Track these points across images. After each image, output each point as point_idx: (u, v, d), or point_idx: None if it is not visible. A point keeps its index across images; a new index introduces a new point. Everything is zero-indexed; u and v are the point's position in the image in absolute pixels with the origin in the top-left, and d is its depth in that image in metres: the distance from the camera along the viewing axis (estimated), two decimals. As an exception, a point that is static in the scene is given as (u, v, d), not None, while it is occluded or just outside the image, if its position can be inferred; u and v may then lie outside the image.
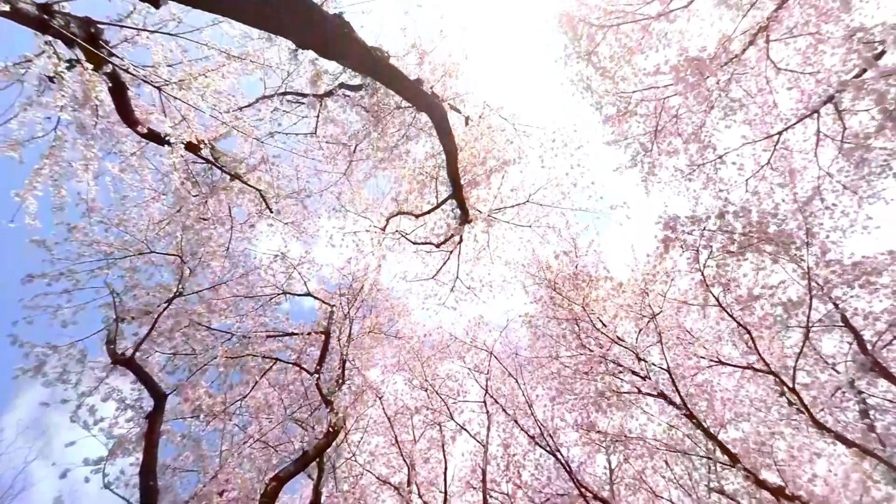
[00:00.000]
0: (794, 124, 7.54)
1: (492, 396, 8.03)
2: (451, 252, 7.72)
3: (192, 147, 4.42)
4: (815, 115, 7.36)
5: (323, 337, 6.02)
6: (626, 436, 7.43)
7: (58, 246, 4.99)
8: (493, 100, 6.28)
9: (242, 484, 4.30)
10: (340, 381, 5.86)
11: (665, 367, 5.75)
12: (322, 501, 5.69)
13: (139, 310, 4.44)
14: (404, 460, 7.47)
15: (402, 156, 5.29)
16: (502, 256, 8.48)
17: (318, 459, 6.12)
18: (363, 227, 7.77)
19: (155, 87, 3.61)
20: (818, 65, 7.71)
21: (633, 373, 7.05)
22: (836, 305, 5.43)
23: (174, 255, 5.01)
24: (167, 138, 3.99)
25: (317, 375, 5.53)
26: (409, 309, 8.48)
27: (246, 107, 6.77)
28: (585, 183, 6.77)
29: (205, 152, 5.07)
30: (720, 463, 6.57)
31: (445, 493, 7.29)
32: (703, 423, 5.57)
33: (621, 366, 6.71)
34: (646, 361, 5.90)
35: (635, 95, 8.44)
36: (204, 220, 5.94)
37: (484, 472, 6.97)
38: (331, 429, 5.15)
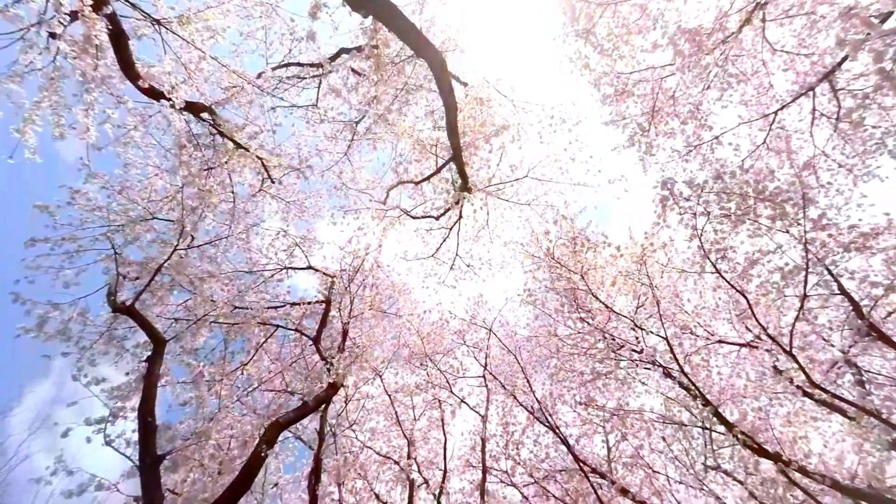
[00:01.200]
0: (791, 102, 7.62)
1: (491, 373, 8.07)
2: (451, 229, 7.76)
3: (192, 108, 4.43)
4: (811, 92, 7.43)
5: (324, 305, 6.04)
6: (624, 410, 7.49)
7: (60, 210, 4.99)
8: (492, 75, 6.32)
9: (241, 426, 4.31)
10: (341, 347, 5.88)
11: (663, 335, 5.80)
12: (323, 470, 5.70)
13: (139, 263, 4.46)
14: (404, 435, 7.50)
15: (402, 109, 5.30)
16: (501, 236, 8.53)
17: (319, 430, 6.15)
18: (364, 203, 7.80)
19: (153, 21, 3.62)
20: (813, 47, 7.79)
21: (633, 349, 7.11)
22: (831, 272, 5.48)
23: (174, 220, 5.02)
24: (168, 94, 4.01)
25: (317, 341, 5.54)
26: (410, 288, 8.51)
27: (250, 83, 6.81)
28: (584, 157, 6.83)
29: (206, 119, 5.08)
30: (717, 433, 6.63)
31: (445, 468, 7.31)
32: (701, 391, 5.62)
33: (619, 339, 6.76)
34: (643, 329, 5.95)
35: (633, 76, 8.53)
36: (206, 191, 5.96)
37: (483, 443, 7.00)
38: (330, 383, 5.17)
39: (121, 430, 4.51)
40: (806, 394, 5.75)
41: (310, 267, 6.66)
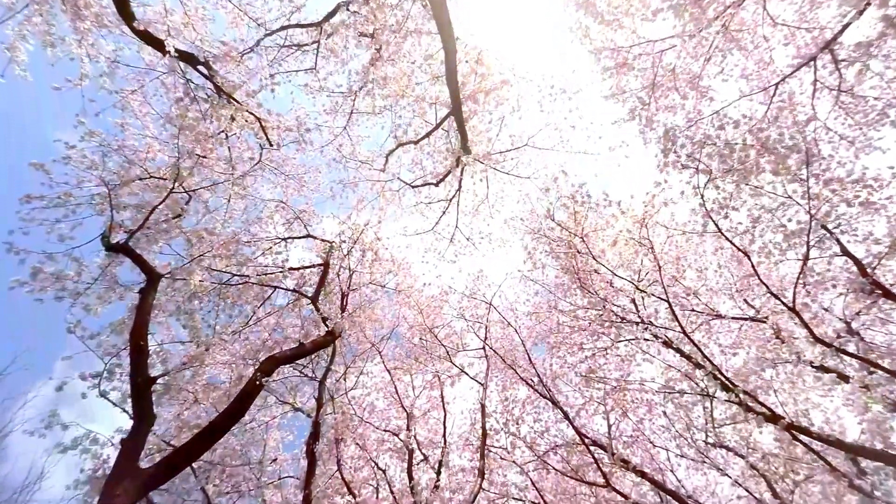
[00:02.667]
0: (792, 73, 7.59)
1: (491, 347, 8.01)
2: (451, 201, 7.71)
3: (188, 58, 4.38)
4: (812, 63, 7.40)
5: (322, 269, 5.99)
6: (624, 380, 7.43)
7: (56, 167, 4.94)
8: (491, 44, 6.26)
9: (236, 364, 4.25)
10: (342, 307, 5.83)
11: (665, 297, 5.75)
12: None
13: (135, 206, 4.40)
14: (403, 408, 7.44)
15: (400, 56, 5.24)
16: (501, 211, 8.48)
17: (317, 397, 6.09)
18: (363, 177, 7.76)
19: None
20: (814, 21, 7.77)
21: (634, 322, 7.06)
22: (831, 231, 5.43)
23: (170, 179, 4.96)
24: (165, 41, 3.96)
25: (315, 300, 5.49)
26: (409, 263, 8.46)
27: (247, 51, 6.77)
28: (584, 125, 6.78)
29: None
30: (719, 399, 6.58)
31: (444, 441, 7.24)
32: (702, 351, 5.57)
33: (620, 308, 6.71)
34: (644, 292, 5.90)
35: (633, 50, 8.51)
36: (204, 157, 5.92)
37: (483, 407, 6.95)
38: (328, 330, 5.12)
39: (115, 384, 4.46)
40: (812, 365, 5.70)
41: (308, 235, 6.61)
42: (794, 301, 5.05)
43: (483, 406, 6.94)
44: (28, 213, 4.57)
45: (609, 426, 8.66)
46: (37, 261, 4.31)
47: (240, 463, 5.66)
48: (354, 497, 5.75)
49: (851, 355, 4.77)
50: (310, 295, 5.69)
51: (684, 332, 5.61)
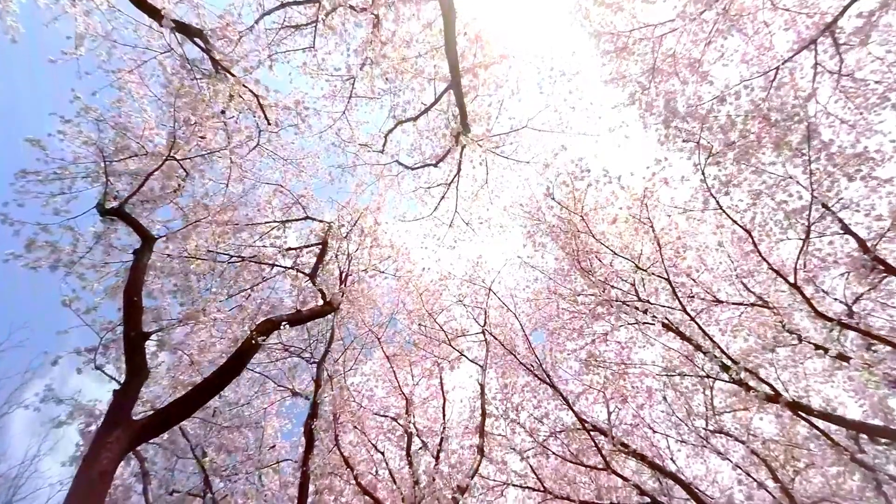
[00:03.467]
0: (793, 56, 7.56)
1: (490, 333, 7.97)
2: (450, 185, 7.68)
3: (184, 29, 4.34)
4: (813, 46, 7.37)
5: (320, 248, 5.95)
6: (624, 363, 7.40)
7: (52, 138, 4.89)
8: (490, 23, 6.21)
9: (230, 321, 4.20)
10: (342, 280, 5.78)
11: (665, 276, 5.71)
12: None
13: (130, 173, 4.36)
14: (402, 394, 7.40)
15: (399, 21, 5.18)
16: (500, 196, 8.45)
17: (316, 378, 6.06)
18: (363, 160, 7.72)
19: None
20: (814, 6, 7.74)
21: (635, 306, 7.03)
22: (832, 210, 5.40)
23: (166, 147, 4.91)
24: (162, 10, 3.92)
25: (312, 276, 5.44)
26: (409, 249, 8.42)
27: (245, 32, 6.73)
28: (584, 106, 6.75)
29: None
30: (721, 379, 6.54)
31: (444, 427, 7.20)
32: (704, 329, 5.54)
33: (620, 290, 6.68)
34: (644, 271, 5.86)
35: (633, 34, 8.49)
36: (202, 138, 5.87)
37: (482, 387, 6.92)
38: (326, 301, 5.07)
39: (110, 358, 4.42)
40: (817, 347, 5.67)
41: (307, 217, 6.58)
42: (795, 277, 5.02)
43: (482, 385, 6.91)
44: (23, 185, 4.54)
45: (609, 413, 8.64)
46: (32, 232, 4.28)
47: (238, 448, 5.63)
48: (353, 470, 5.70)
49: (853, 328, 4.74)
50: (308, 272, 5.65)
51: (685, 311, 5.58)
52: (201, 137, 4.82)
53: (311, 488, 5.32)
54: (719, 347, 5.44)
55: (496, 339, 7.85)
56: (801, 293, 4.93)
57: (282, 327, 4.23)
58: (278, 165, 8.06)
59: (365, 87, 7.90)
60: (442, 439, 7.31)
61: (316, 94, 7.83)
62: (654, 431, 8.21)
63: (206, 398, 3.67)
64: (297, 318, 4.81)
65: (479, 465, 5.97)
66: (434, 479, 5.29)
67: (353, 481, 5.57)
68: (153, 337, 3.72)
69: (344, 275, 6.11)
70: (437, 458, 6.34)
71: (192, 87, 4.62)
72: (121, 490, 4.74)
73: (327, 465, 5.45)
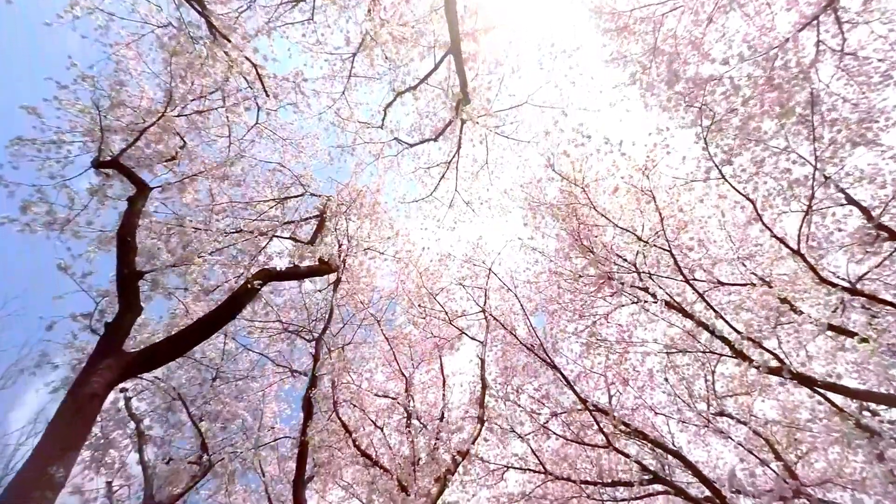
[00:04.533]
0: (795, 34, 7.51)
1: (491, 315, 7.92)
2: (450, 164, 7.63)
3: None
4: (816, 24, 7.32)
5: (319, 220, 5.89)
6: (626, 341, 7.34)
7: (46, 104, 4.85)
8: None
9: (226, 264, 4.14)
10: (340, 249, 5.73)
11: (667, 247, 5.66)
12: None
13: (125, 128, 4.30)
14: (402, 374, 7.34)
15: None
16: (501, 178, 8.40)
17: (314, 354, 6.01)
18: (362, 139, 7.67)
19: None
20: (817, -14, 7.66)
21: (636, 287, 6.98)
22: (836, 183, 5.36)
23: (166, 112, 4.85)
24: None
25: (312, 243, 5.40)
26: (408, 230, 8.37)
27: (244, 9, 6.69)
28: (584, 81, 6.70)
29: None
30: (723, 355, 6.49)
31: (444, 406, 7.15)
32: (706, 299, 5.48)
33: (621, 265, 6.63)
34: (646, 243, 5.81)
35: (634, 13, 8.46)
36: (199, 112, 5.83)
37: (483, 362, 6.87)
38: (324, 261, 5.02)
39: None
40: (816, 324, 5.62)
41: (305, 193, 6.53)
42: (798, 245, 4.96)
43: (482, 360, 6.86)
44: (18, 149, 4.49)
45: (609, 396, 8.59)
46: (27, 194, 4.23)
47: (237, 416, 5.57)
48: (351, 435, 5.65)
49: (858, 292, 4.69)
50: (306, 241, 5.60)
51: (687, 282, 5.53)
52: (200, 97, 4.76)
53: (310, 462, 5.27)
54: (722, 318, 5.38)
55: (496, 320, 7.80)
56: (805, 259, 4.88)
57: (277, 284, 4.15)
58: (277, 146, 8.04)
59: (364, 66, 7.87)
60: (442, 415, 7.25)
61: (315, 73, 7.81)
62: (656, 413, 8.16)
63: (197, 338, 3.62)
64: (294, 273, 4.76)
65: (479, 434, 5.92)
66: (436, 447, 5.24)
67: (352, 445, 5.52)
68: (147, 277, 3.66)
69: (343, 250, 6.05)
70: (437, 433, 6.29)
71: (190, 47, 4.57)
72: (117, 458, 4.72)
73: (325, 432, 5.40)
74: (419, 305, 7.89)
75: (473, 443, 5.66)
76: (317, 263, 5.08)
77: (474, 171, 8.28)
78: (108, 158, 4.07)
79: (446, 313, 7.27)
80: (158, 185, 4.40)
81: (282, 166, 7.46)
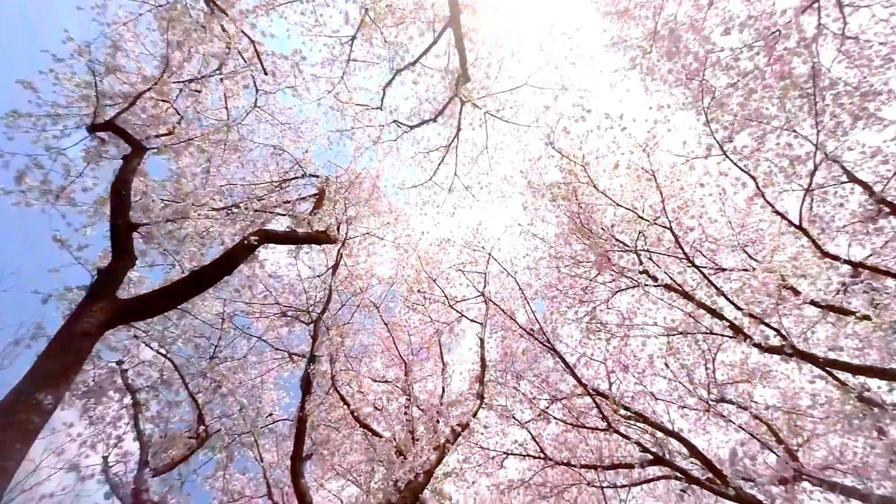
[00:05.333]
0: (797, 16, 7.47)
1: (491, 301, 7.88)
2: (449, 147, 7.59)
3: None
4: (817, 5, 7.28)
5: (317, 198, 5.85)
6: (627, 324, 7.31)
7: (42, 78, 4.81)
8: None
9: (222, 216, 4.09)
10: (338, 228, 5.69)
11: (668, 226, 5.62)
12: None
13: (121, 94, 4.26)
14: (402, 358, 7.31)
15: None
16: (500, 163, 8.37)
17: (313, 333, 5.97)
18: (361, 123, 7.63)
19: None
20: (819, -33, 7.62)
21: (637, 271, 6.94)
22: (838, 161, 5.33)
23: (162, 78, 4.80)
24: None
25: (311, 216, 5.35)
26: (408, 215, 8.34)
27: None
28: (584, 62, 6.67)
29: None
30: (723, 336, 6.45)
31: (445, 386, 7.09)
32: (707, 276, 5.44)
33: (621, 247, 6.59)
34: (646, 220, 5.77)
35: (634, -1, 8.42)
36: (196, 80, 5.78)
37: (482, 341, 6.84)
38: (323, 230, 4.98)
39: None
40: (815, 304, 5.59)
41: (305, 175, 6.49)
42: (800, 219, 4.93)
43: (482, 339, 6.83)
44: (14, 121, 4.45)
45: (610, 383, 8.54)
46: (22, 164, 4.20)
47: (234, 388, 5.54)
48: (348, 406, 5.61)
49: (861, 265, 4.65)
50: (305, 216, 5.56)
51: (687, 258, 5.49)
52: (198, 76, 4.72)
53: (309, 442, 5.23)
54: (724, 295, 5.35)
55: (497, 305, 7.76)
56: (807, 234, 4.85)
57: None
58: (276, 131, 8.01)
59: (364, 52, 7.84)
60: (443, 390, 7.20)
61: (314, 58, 7.78)
62: (656, 399, 8.13)
63: (192, 291, 3.57)
64: (292, 237, 4.73)
65: (478, 409, 5.89)
66: (436, 420, 5.21)
67: (350, 417, 5.48)
68: (141, 230, 3.62)
69: (341, 224, 6.01)
70: (437, 409, 6.25)
71: (186, 17, 4.52)
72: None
73: (324, 405, 5.36)
74: (418, 291, 7.85)
75: (474, 416, 5.63)
76: (315, 232, 5.04)
77: (474, 156, 8.24)
78: (104, 121, 4.03)
79: (446, 297, 7.23)
80: (154, 147, 4.35)
81: (280, 149, 7.42)
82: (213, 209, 4.18)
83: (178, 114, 4.96)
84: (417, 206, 8.56)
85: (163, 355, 4.64)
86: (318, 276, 7.78)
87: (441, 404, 7.21)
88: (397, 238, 8.25)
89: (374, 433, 5.59)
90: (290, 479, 6.15)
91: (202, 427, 4.72)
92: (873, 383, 5.56)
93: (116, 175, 3.72)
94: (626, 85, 6.08)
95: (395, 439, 5.22)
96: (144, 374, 4.92)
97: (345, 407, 5.63)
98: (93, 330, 2.72)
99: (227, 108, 6.85)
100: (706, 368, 8.34)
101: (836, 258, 4.78)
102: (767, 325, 5.05)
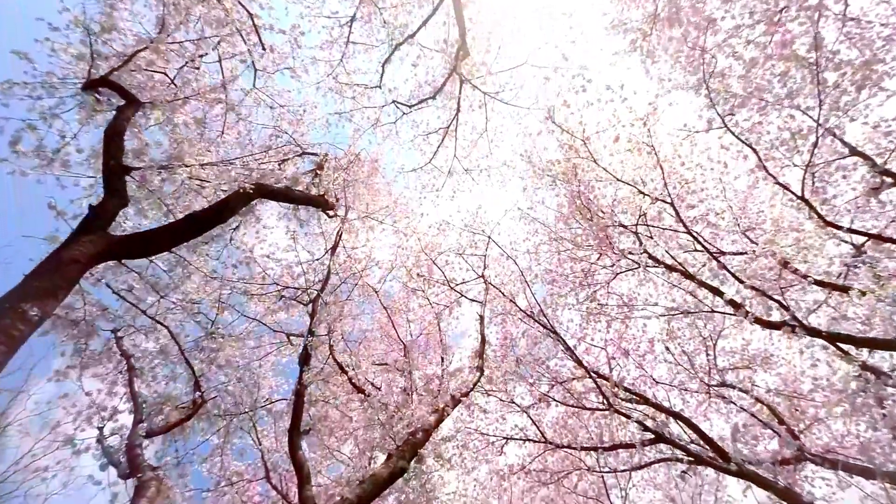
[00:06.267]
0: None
1: (491, 284, 7.84)
2: (448, 127, 7.55)
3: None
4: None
5: (315, 173, 5.81)
6: (627, 304, 7.26)
7: (38, 47, 4.76)
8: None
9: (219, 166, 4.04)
10: (336, 199, 5.64)
11: (668, 200, 5.58)
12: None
13: (116, 55, 4.21)
14: (401, 341, 7.26)
15: None
16: (500, 146, 8.33)
17: (311, 309, 5.93)
18: (360, 104, 7.60)
19: None
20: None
21: (638, 252, 6.90)
22: (839, 137, 5.29)
23: (159, 36, 4.75)
24: None
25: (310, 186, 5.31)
26: (407, 199, 8.30)
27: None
28: (584, 41, 6.63)
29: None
30: (725, 313, 6.41)
31: (444, 368, 7.03)
32: (708, 247, 5.40)
33: (622, 225, 6.55)
34: (647, 195, 5.73)
35: (635, -20, 8.38)
36: (196, 68, 5.74)
37: (482, 318, 6.80)
38: (321, 194, 4.94)
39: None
40: (819, 283, 5.55)
41: (304, 153, 6.45)
42: (802, 190, 4.89)
43: (482, 316, 6.79)
44: (9, 89, 4.41)
45: (610, 369, 8.49)
46: (17, 128, 4.15)
47: (231, 362, 5.49)
48: (346, 373, 5.56)
49: (865, 234, 4.61)
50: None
51: (689, 232, 5.45)
52: (195, 41, 4.67)
53: (307, 418, 5.18)
54: (726, 268, 5.30)
55: (497, 288, 7.71)
56: (808, 204, 4.81)
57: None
58: (274, 113, 7.97)
59: (363, 34, 7.82)
60: (442, 359, 7.14)
61: (312, 41, 7.75)
62: (657, 383, 8.08)
63: (185, 234, 3.50)
64: (289, 194, 4.68)
65: (478, 381, 5.84)
66: (438, 389, 5.16)
67: (348, 382, 5.43)
68: (134, 174, 3.56)
69: (340, 210, 5.98)
70: (439, 379, 6.19)
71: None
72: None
73: (321, 376, 5.31)
74: (418, 275, 7.80)
75: (473, 387, 5.59)
76: (314, 195, 4.99)
77: (473, 140, 8.21)
78: (99, 77, 3.98)
79: (445, 276, 7.19)
80: (149, 101, 4.30)
81: (279, 130, 7.38)
82: (210, 163, 4.14)
83: (174, 84, 4.91)
84: (417, 189, 8.52)
85: (159, 322, 4.59)
86: (317, 260, 7.74)
87: (441, 376, 7.11)
88: (396, 222, 8.21)
89: (372, 396, 5.53)
90: (289, 462, 6.12)
91: (198, 392, 4.67)
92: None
93: (109, 123, 3.67)
94: (626, 64, 6.04)
95: (394, 402, 5.17)
96: (140, 345, 4.87)
97: (343, 375, 5.58)
98: (83, 259, 2.66)
99: (224, 86, 6.82)
100: (707, 355, 8.31)
101: (838, 227, 4.73)
102: (770, 297, 5.00)
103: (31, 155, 4.12)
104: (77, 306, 3.99)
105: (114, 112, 3.88)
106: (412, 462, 4.23)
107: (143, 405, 4.59)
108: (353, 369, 5.65)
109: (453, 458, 6.73)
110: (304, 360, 5.11)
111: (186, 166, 3.95)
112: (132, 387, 4.67)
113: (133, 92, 4.00)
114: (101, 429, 4.63)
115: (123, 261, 3.67)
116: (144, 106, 4.01)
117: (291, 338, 6.91)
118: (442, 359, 6.55)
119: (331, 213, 5.52)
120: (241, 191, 3.82)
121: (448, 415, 5.16)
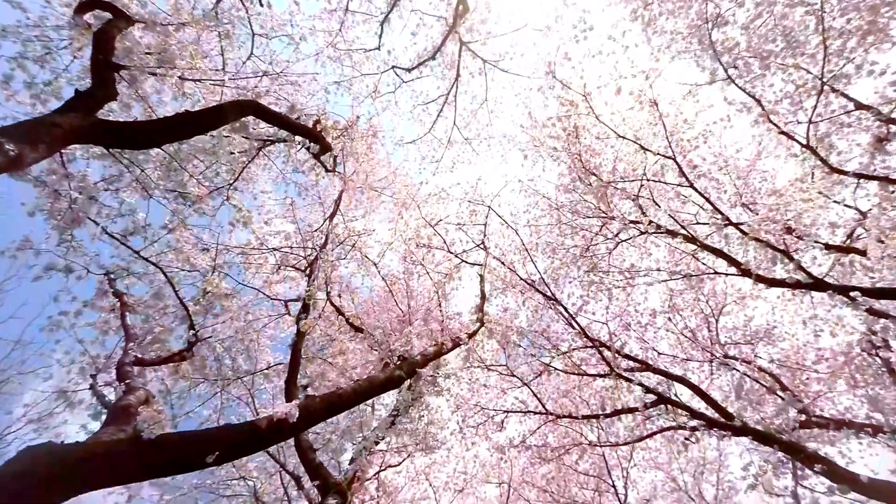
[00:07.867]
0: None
1: (491, 255, 7.76)
2: (448, 94, 7.49)
3: None
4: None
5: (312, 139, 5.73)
6: (629, 271, 7.18)
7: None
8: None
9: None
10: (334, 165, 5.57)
11: (670, 155, 5.51)
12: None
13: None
14: (401, 310, 7.17)
15: None
16: (500, 117, 8.26)
17: (309, 273, 5.85)
18: (358, 71, 7.53)
19: None
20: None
21: (639, 222, 6.83)
22: (843, 94, 5.23)
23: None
24: None
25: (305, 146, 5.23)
26: (406, 170, 8.22)
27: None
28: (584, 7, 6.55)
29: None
30: (728, 275, 6.33)
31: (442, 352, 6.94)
32: (713, 204, 5.33)
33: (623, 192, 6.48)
34: (649, 151, 5.66)
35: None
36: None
37: (482, 277, 6.73)
38: (318, 131, 4.87)
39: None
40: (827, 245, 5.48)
41: (299, 116, 6.34)
42: (807, 138, 4.82)
43: (482, 276, 6.72)
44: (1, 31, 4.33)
45: (612, 339, 8.39)
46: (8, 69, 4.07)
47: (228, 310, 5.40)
48: (347, 320, 5.48)
49: (872, 177, 4.53)
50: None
51: (692, 186, 5.37)
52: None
53: (302, 375, 5.10)
54: (729, 221, 5.23)
55: (497, 259, 7.63)
56: (814, 151, 4.73)
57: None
58: (272, 82, 7.90)
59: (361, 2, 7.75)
60: (439, 304, 7.03)
61: (310, 9, 7.69)
62: (659, 354, 8.01)
63: (177, 130, 3.39)
64: (283, 119, 4.58)
65: (477, 331, 5.77)
66: (440, 332, 5.07)
67: (346, 324, 5.34)
68: (124, 73, 3.47)
69: (335, 157, 5.89)
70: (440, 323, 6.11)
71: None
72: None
73: (319, 321, 5.24)
74: (417, 245, 7.71)
75: (472, 336, 5.52)
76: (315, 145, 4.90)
77: (473, 110, 8.14)
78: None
79: (445, 242, 7.11)
80: (142, 22, 4.21)
81: (277, 96, 7.30)
82: (204, 79, 4.06)
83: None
84: (416, 161, 8.45)
85: (153, 264, 4.50)
86: (316, 230, 7.66)
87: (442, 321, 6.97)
88: (396, 193, 8.13)
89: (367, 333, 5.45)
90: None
91: (192, 332, 4.58)
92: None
93: (100, 27, 3.57)
94: (627, 38, 5.96)
95: (390, 338, 5.09)
96: (132, 283, 4.77)
97: (341, 318, 5.50)
98: (66, 126, 2.55)
99: (222, 55, 6.74)
100: (709, 330, 8.25)
101: (844, 173, 4.66)
102: (775, 248, 4.93)
103: (23, 92, 4.05)
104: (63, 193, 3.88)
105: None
106: (410, 380, 4.15)
107: (135, 335, 4.51)
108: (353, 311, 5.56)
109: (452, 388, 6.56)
110: (303, 309, 5.03)
111: (178, 69, 3.85)
112: (124, 319, 4.59)
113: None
114: (94, 376, 4.56)
115: (112, 150, 3.55)
116: (136, 24, 3.92)
117: (289, 304, 6.81)
118: (440, 307, 6.43)
119: (328, 164, 5.43)
120: (237, 101, 3.74)
121: (447, 351, 5.08)
